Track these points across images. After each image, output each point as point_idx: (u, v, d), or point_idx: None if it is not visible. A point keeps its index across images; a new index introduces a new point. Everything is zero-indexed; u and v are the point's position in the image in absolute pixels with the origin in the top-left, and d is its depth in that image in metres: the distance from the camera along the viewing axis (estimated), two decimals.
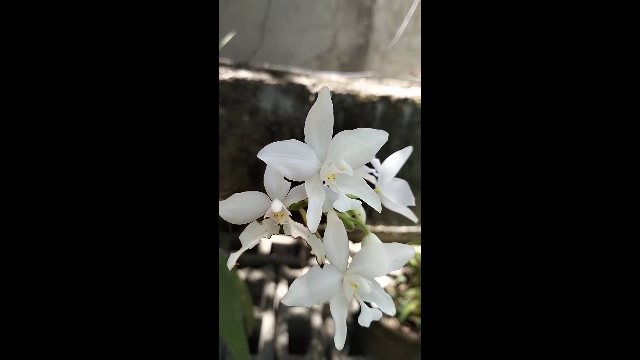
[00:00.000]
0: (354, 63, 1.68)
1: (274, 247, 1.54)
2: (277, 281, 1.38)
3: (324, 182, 0.31)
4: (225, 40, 1.04)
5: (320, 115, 0.29)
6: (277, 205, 0.28)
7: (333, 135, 0.30)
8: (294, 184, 0.33)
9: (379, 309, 0.33)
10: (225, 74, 1.28)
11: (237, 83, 1.30)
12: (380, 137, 0.31)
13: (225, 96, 1.31)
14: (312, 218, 0.28)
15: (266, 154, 0.27)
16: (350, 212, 0.37)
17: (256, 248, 1.52)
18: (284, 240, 1.54)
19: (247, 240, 0.31)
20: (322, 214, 0.32)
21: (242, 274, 1.37)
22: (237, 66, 1.36)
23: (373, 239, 0.34)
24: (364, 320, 0.32)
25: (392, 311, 0.33)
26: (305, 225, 0.30)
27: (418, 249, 1.25)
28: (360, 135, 0.31)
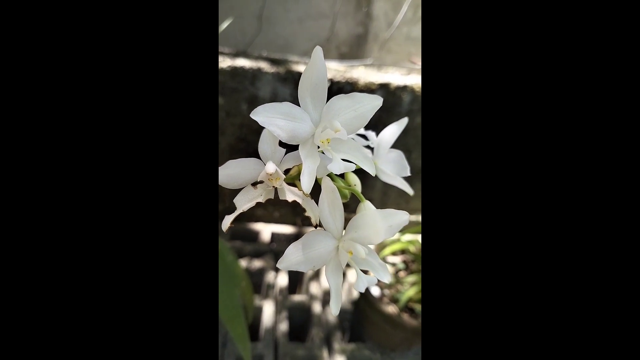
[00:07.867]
0: (353, 53, 1.67)
1: (274, 236, 1.54)
2: (277, 270, 1.38)
3: (318, 148, 0.30)
4: (222, 26, 1.03)
5: (314, 77, 0.29)
6: (271, 167, 0.28)
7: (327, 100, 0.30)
8: (288, 150, 0.33)
9: (374, 276, 0.33)
10: (223, 62, 1.28)
11: (235, 71, 1.29)
12: (374, 101, 0.31)
13: (224, 85, 1.31)
14: (306, 180, 0.28)
15: (259, 114, 0.27)
16: (345, 181, 0.37)
17: (257, 237, 1.52)
18: (284, 230, 1.54)
19: (242, 203, 0.30)
20: (317, 181, 0.32)
21: (242, 263, 1.38)
22: (235, 54, 1.35)
23: (368, 206, 0.34)
24: (359, 286, 0.32)
25: (387, 278, 0.33)
26: (300, 190, 0.30)
27: (417, 237, 1.25)
28: (354, 99, 0.31)
